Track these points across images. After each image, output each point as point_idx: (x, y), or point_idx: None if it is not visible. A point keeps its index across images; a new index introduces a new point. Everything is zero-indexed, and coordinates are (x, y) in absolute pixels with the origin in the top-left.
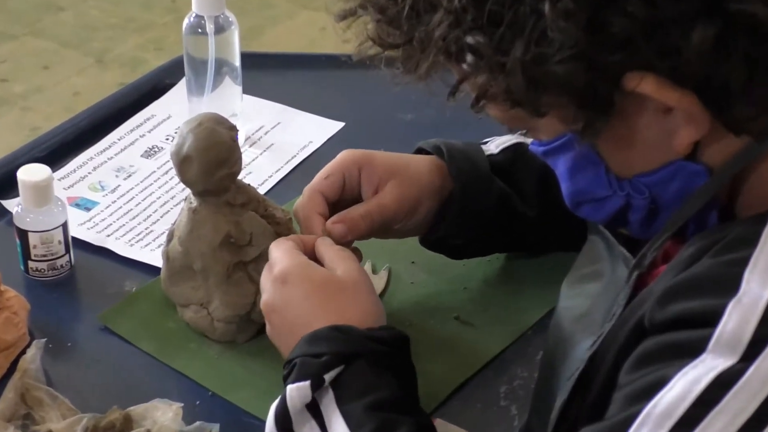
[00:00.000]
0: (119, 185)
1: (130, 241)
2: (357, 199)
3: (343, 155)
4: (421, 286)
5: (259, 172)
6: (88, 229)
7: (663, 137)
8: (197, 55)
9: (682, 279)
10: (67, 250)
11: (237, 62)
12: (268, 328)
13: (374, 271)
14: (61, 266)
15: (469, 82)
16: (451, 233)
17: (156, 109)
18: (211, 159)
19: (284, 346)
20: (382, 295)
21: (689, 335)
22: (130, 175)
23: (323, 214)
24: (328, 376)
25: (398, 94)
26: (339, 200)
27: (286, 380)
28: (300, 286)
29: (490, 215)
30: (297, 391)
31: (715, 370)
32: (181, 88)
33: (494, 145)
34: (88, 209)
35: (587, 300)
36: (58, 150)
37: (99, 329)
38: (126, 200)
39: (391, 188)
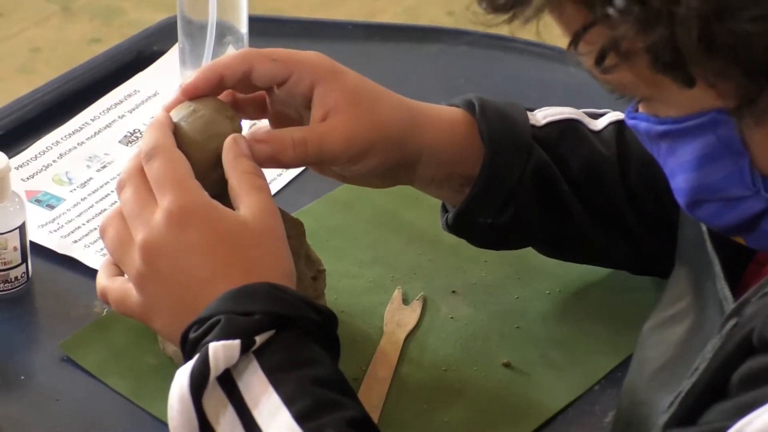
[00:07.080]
0: (91, 178)
1: (103, 249)
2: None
3: (309, 55)
4: (463, 321)
5: (266, 171)
6: (51, 232)
7: None
8: (194, 17)
9: None
10: (24, 259)
11: (244, 28)
12: (138, 273)
13: (405, 301)
14: (16, 279)
15: (594, 30)
16: (476, 207)
17: (139, 83)
18: (207, 156)
19: (168, 300)
20: (413, 331)
21: None
22: (104, 166)
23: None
24: (259, 338)
25: (437, 74)
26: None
27: (200, 340)
28: (203, 234)
29: (526, 190)
30: (223, 350)
31: None
32: (172, 57)
33: (541, 115)
34: (51, 207)
35: (669, 350)
36: (14, 131)
37: (60, 360)
38: (99, 197)
39: (342, 120)
